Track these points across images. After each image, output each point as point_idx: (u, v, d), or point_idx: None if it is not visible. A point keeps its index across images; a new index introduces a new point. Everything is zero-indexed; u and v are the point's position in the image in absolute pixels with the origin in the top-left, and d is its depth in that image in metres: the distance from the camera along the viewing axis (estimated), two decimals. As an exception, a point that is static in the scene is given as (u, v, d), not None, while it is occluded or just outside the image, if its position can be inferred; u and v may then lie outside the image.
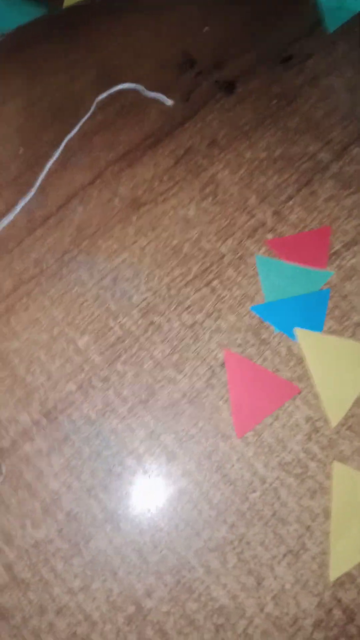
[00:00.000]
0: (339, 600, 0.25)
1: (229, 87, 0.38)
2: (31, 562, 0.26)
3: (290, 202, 0.34)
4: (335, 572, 0.26)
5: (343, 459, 0.28)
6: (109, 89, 0.37)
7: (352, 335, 0.30)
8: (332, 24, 0.41)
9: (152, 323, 0.31)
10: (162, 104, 0.38)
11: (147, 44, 0.40)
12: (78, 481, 0.27)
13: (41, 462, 0.28)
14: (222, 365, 0.30)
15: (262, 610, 0.25)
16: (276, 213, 0.34)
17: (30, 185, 0.35)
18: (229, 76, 0.39)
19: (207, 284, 0.32)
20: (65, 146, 0.36)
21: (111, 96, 0.37)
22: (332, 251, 0.33)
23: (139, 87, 0.37)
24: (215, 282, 0.32)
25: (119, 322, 0.31)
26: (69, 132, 0.36)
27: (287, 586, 0.25)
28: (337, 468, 0.27)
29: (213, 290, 0.32)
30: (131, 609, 0.25)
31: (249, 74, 0.39)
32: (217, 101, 0.38)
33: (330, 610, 0.25)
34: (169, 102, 0.37)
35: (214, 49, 0.40)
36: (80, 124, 0.37)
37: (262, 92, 0.38)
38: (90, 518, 0.27)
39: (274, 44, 0.40)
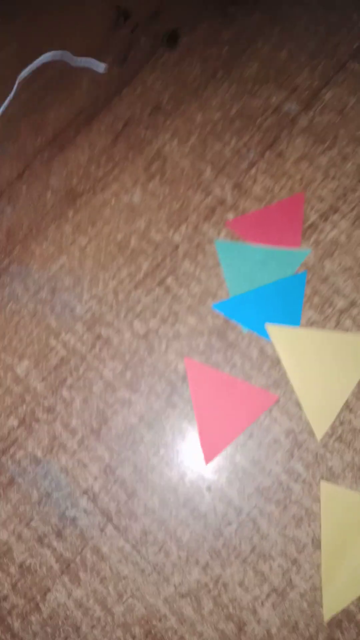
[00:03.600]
0: (337, 644, 0.23)
1: (171, 38, 0.34)
2: (-16, 624, 0.25)
3: (253, 170, 0.31)
4: (329, 610, 0.24)
5: (332, 477, 0.25)
6: (31, 64, 0.34)
7: (337, 325, 0.27)
8: None
9: (99, 337, 0.29)
10: (94, 71, 0.34)
11: (70, 0, 0.36)
12: (28, 529, 0.26)
13: (-14, 511, 0.27)
14: (184, 378, 0.27)
15: (246, 661, 0.23)
16: (237, 186, 0.30)
17: None
18: (170, 26, 0.35)
19: (160, 283, 0.29)
20: (-13, 137, 0.34)
21: (35, 71, 0.34)
22: (307, 224, 0.29)
23: (66, 55, 0.34)
24: (169, 280, 0.29)
25: (62, 339, 0.29)
26: (-10, 119, 0.34)
27: (274, 630, 0.24)
28: (326, 488, 0.25)
29: (167, 289, 0.29)
30: (97, 670, 0.24)
31: (194, 20, 0.35)
32: (158, 58, 0.34)
33: (326, 656, 0.23)
34: (102, 67, 0.34)
35: (150, -7, 0.36)
36: (3, 108, 0.34)
37: (211, 40, 0.34)
38: (45, 569, 0.25)
39: (223, -26, 0.36)
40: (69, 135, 0.33)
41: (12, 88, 0.34)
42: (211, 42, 0.34)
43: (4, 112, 0.34)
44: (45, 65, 0.35)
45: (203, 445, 0.26)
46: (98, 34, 0.35)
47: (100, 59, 0.34)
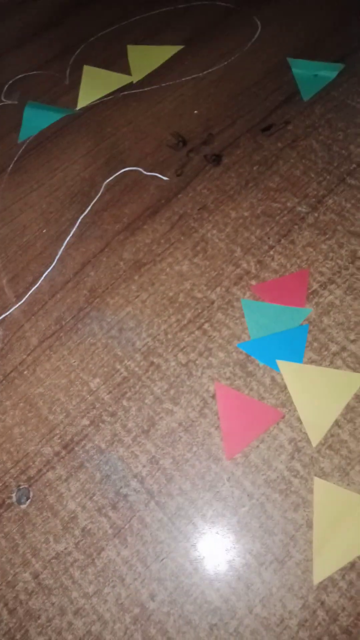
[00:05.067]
0: (322, 603, 0.31)
1: (216, 159, 0.49)
2: (53, 570, 0.34)
3: (272, 252, 0.43)
4: (318, 576, 0.31)
5: (323, 475, 0.34)
6: (115, 173, 0.49)
7: (331, 364, 0.38)
8: (307, 93, 0.52)
9: (152, 364, 0.40)
10: (159, 179, 0.49)
11: (145, 130, 0.52)
12: (91, 502, 0.35)
13: (61, 487, 0.36)
14: (213, 396, 0.38)
15: (251, 611, 0.31)
16: (259, 262, 0.42)
17: (52, 257, 0.46)
18: (216, 149, 0.50)
19: (199, 327, 0.40)
20: (80, 223, 0.48)
21: (116, 178, 0.49)
22: (310, 291, 0.40)
23: (139, 169, 0.49)
24: (206, 325, 0.40)
25: (124, 364, 0.40)
26: (83, 211, 0.48)
27: (274, 590, 0.31)
28: (318, 483, 0.34)
29: (204, 332, 0.40)
30: (136, 610, 0.32)
31: (234, 146, 0.49)
32: (206, 172, 0.48)
33: (314, 611, 0.30)
34: (165, 178, 0.48)
35: (202, 127, 0.51)
36: (92, 203, 0.48)
37: (245, 160, 0.48)
38: (101, 533, 0.34)
39: (255, 115, 0.51)
40: (138, 224, 0.46)
41: (99, 190, 0.49)
42: (245, 161, 0.48)
43: (92, 206, 0.48)
44: (124, 175, 0.49)
45: (226, 446, 0.36)
46: (164, 153, 0.50)
47: (163, 172, 0.49)
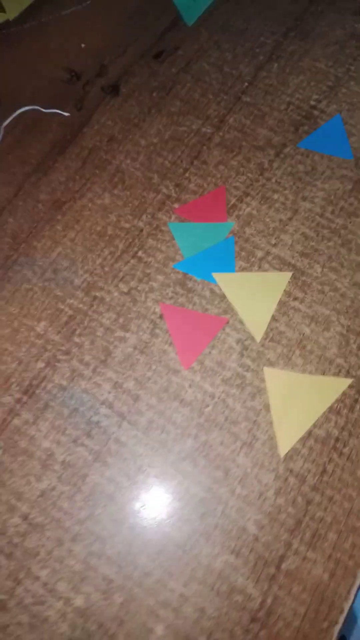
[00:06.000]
0: (291, 470, 0.35)
1: (114, 89, 0.49)
2: (41, 508, 0.35)
3: (187, 174, 0.45)
4: (283, 449, 0.36)
5: (270, 364, 0.38)
6: (12, 114, 0.47)
7: (259, 268, 0.41)
8: (189, 18, 0.52)
9: (95, 298, 0.40)
10: (60, 116, 0.47)
11: (34, 68, 0.50)
12: (64, 436, 0.36)
13: (30, 430, 0.37)
14: (161, 316, 0.40)
15: (233, 494, 0.35)
16: (177, 185, 0.44)
17: None
18: (111, 80, 0.49)
19: (134, 256, 0.42)
20: (-16, 170, 0.45)
21: (14, 119, 0.47)
22: (229, 205, 0.43)
23: (37, 107, 0.47)
24: (140, 253, 0.42)
25: (68, 303, 0.40)
26: (-16, 157, 0.46)
27: (249, 470, 0.35)
28: (267, 372, 0.38)
29: (139, 259, 0.42)
30: (131, 520, 0.34)
31: (129, 74, 0.49)
32: (106, 104, 0.48)
33: (285, 479, 0.35)
34: (66, 114, 0.47)
35: (93, 59, 0.50)
36: (-7, 148, 0.46)
37: (143, 88, 0.49)
38: (82, 461, 0.36)
39: (143, 43, 0.51)
40: (49, 163, 0.45)
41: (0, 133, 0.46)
42: (143, 89, 0.48)
43: (-6, 151, 0.46)
44: (22, 115, 0.47)
45: (181, 357, 0.38)
46: (59, 89, 0.48)
47: (62, 107, 0.48)
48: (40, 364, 0.38)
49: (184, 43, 0.51)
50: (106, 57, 0.50)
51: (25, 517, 0.35)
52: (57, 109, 0.47)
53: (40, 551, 0.34)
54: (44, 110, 0.47)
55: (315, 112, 0.47)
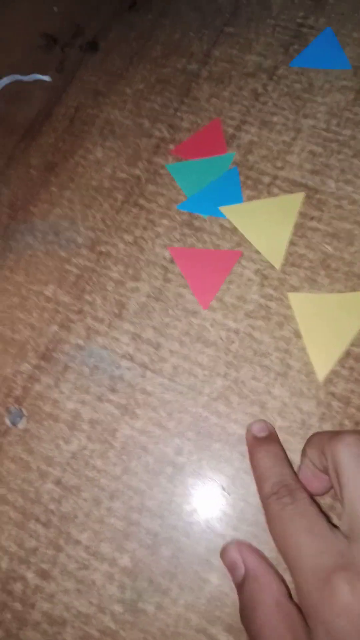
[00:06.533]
0: (333, 394, 0.33)
1: (92, 46, 0.47)
2: (74, 469, 0.33)
3: (179, 113, 0.42)
4: (321, 373, 0.33)
5: (295, 290, 0.35)
6: (-9, 87, 0.46)
7: (269, 194, 0.39)
8: None
9: (101, 253, 0.39)
10: (43, 80, 0.46)
11: (7, 38, 0.49)
12: (88, 394, 0.35)
13: (53, 393, 0.35)
14: (172, 260, 0.38)
15: (274, 425, 0.32)
16: (170, 126, 0.42)
17: None
18: (89, 38, 0.47)
19: (135, 205, 0.40)
20: (-27, 147, 0.44)
21: (-4, 91, 0.46)
22: (228, 136, 0.41)
23: (17, 77, 0.46)
24: (141, 200, 0.40)
25: (73, 263, 0.39)
26: (-29, 135, 0.45)
27: (287, 400, 0.33)
28: (293, 297, 0.35)
29: (141, 207, 0.40)
30: (169, 469, 0.32)
31: (106, 30, 0.48)
32: (87, 61, 0.46)
33: (328, 404, 0.32)
34: (47, 78, 0.46)
35: (67, 22, 0.49)
36: (-22, 124, 0.45)
37: (122, 39, 0.47)
38: (109, 417, 0.34)
39: (117, -5, 0.49)
40: (36, 128, 0.44)
41: (-19, 110, 0.45)
42: (122, 40, 0.47)
43: (-20, 128, 0.45)
44: (3, 88, 0.46)
45: (198, 297, 0.36)
46: (37, 55, 0.47)
47: (43, 72, 0.46)
48: (54, 327, 0.37)
49: (157, -12, 0.49)
50: (80, 18, 0.49)
51: (58, 482, 0.33)
52: (38, 75, 0.46)
53: (78, 514, 0.32)
54: (24, 78, 0.46)
55: (304, 30, 0.44)
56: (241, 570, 0.27)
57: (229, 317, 0.35)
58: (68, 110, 0.44)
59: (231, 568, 0.28)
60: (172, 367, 0.35)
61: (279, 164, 0.39)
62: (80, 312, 0.37)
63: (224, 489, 0.32)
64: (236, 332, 0.35)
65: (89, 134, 0.43)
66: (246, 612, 0.25)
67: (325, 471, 0.26)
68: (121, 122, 0.43)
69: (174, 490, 0.32)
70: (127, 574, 0.31)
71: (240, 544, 0.28)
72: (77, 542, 0.32)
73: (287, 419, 0.32)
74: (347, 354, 0.33)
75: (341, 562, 0.22)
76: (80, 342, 0.36)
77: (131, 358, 0.35)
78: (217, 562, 0.30)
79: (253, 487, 0.30)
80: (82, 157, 0.42)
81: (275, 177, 0.39)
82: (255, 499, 0.31)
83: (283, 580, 0.26)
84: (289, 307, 0.35)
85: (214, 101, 0.42)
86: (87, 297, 0.37)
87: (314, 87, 0.42)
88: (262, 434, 0.31)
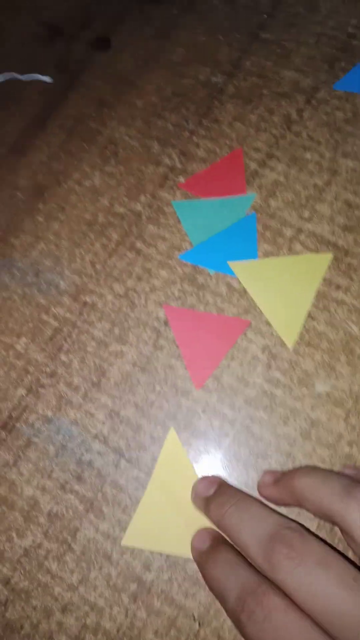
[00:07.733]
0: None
1: (102, 43, 0.40)
2: (25, 570, 0.28)
3: (194, 137, 0.36)
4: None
5: (307, 376, 0.29)
6: (-18, 86, 0.40)
7: (290, 251, 0.32)
8: None
9: (85, 304, 0.33)
10: (42, 82, 0.40)
11: (5, 28, 0.42)
12: (50, 480, 0.30)
13: (10, 474, 0.30)
14: (166, 322, 0.32)
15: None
16: (183, 153, 0.36)
17: None
18: (99, 32, 0.41)
19: (131, 248, 0.34)
20: None
21: (-14, 92, 0.40)
22: (249, 172, 0.34)
23: (13, 75, 0.40)
24: (138, 243, 0.34)
25: (52, 313, 0.33)
26: None
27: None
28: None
29: (138, 251, 0.34)
30: (133, 586, 0.27)
31: (119, 23, 0.41)
32: (94, 61, 0.40)
33: None
34: (47, 79, 0.40)
35: (75, 10, 0.42)
36: (-36, 130, 0.39)
37: (138, 36, 0.40)
38: (71, 512, 0.29)
39: (138, -18, 0.42)
40: (27, 140, 0.38)
41: (-30, 112, 0.39)
42: (138, 38, 0.40)
43: (-33, 133, 0.39)
44: (-4, 87, 0.40)
45: (192, 374, 0.30)
46: (37, 49, 0.41)
47: (43, 71, 0.40)
48: (21, 391, 0.32)
49: (186, -25, 0.41)
50: (92, 5, 0.42)
51: (6, 582, 0.29)
52: (35, 73, 0.40)
53: (25, 624, 0.28)
54: (20, 77, 0.39)
55: (355, 42, 0.37)
56: None
57: (225, 403, 0.30)
58: (66, 121, 0.38)
59: None
60: (151, 459, 0.29)
61: (306, 214, 0.33)
62: (53, 375, 0.32)
63: (194, 618, 0.27)
64: (232, 422, 0.29)
65: (88, 153, 0.37)
66: None
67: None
68: (126, 142, 0.36)
69: (136, 613, 0.27)
70: None
71: None
72: (19, 661, 0.27)
73: (282, 544, 0.27)
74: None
75: None
76: (49, 413, 0.31)
77: (105, 440, 0.30)
78: None
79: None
80: (77, 183, 0.36)
81: (300, 231, 0.32)
82: (233, 635, 0.25)
83: None
84: (298, 398, 0.29)
85: (237, 126, 0.35)
86: (64, 357, 0.32)
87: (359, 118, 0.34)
88: (211, 491, 0.26)
